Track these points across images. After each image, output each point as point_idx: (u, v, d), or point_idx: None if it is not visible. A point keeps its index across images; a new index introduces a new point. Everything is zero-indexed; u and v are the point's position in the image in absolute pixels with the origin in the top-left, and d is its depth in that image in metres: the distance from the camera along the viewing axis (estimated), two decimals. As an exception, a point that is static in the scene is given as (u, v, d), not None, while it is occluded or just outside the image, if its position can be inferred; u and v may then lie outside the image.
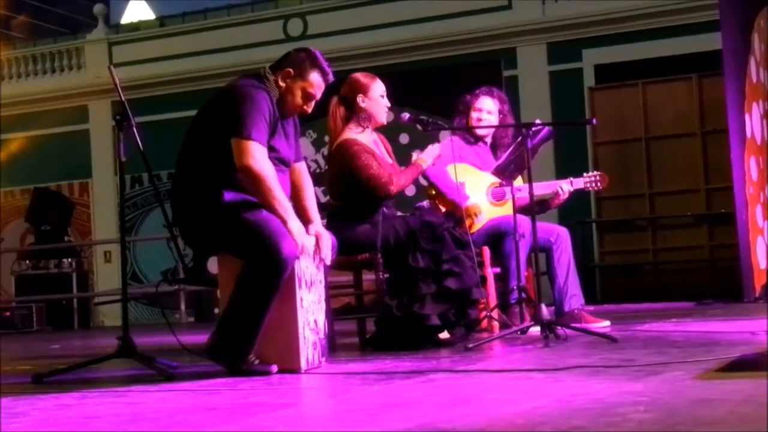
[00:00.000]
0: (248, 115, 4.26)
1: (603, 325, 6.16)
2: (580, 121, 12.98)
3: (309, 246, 4.35)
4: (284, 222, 4.23)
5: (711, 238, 12.38)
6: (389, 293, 5.32)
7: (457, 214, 5.67)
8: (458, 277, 5.23)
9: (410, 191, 5.85)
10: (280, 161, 4.43)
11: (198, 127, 4.47)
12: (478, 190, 6.42)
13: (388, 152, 5.84)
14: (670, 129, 12.53)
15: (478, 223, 6.35)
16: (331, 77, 4.56)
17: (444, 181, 6.22)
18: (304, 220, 4.46)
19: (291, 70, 4.47)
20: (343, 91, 5.67)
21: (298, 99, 4.48)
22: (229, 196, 4.30)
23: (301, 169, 4.66)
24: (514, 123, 6.72)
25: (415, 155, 5.87)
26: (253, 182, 4.25)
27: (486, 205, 6.42)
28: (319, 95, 4.55)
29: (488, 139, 6.66)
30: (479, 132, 6.57)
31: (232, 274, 4.27)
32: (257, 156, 4.23)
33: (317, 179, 5.58)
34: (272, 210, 4.24)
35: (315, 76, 4.50)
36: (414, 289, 5.21)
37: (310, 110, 4.55)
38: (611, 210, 12.95)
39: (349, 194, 5.57)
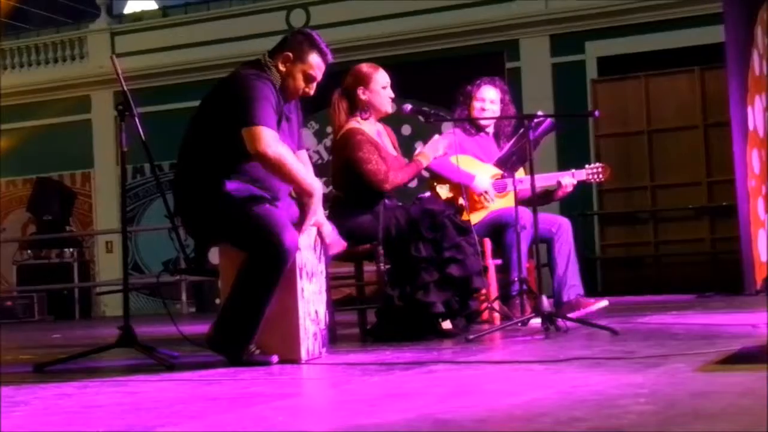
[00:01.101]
0: (255, 103, 4.26)
1: (601, 305, 6.18)
2: (582, 114, 12.98)
3: (328, 228, 4.46)
4: (310, 195, 4.29)
5: (712, 230, 12.36)
6: (391, 284, 5.32)
7: (457, 204, 5.67)
8: (460, 264, 5.23)
9: (412, 182, 5.84)
10: None
11: (201, 118, 4.46)
12: (480, 182, 6.42)
13: (393, 144, 5.84)
14: (673, 122, 12.51)
15: (490, 204, 6.35)
16: (330, 57, 4.56)
17: (447, 168, 6.19)
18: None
19: (290, 54, 4.47)
20: (346, 83, 5.67)
21: (300, 82, 4.48)
22: (231, 185, 4.30)
23: (303, 157, 4.67)
24: (515, 112, 6.72)
25: (419, 148, 5.86)
26: (271, 167, 4.26)
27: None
28: (320, 76, 4.54)
29: (490, 129, 6.66)
30: (482, 122, 6.57)
31: (233, 265, 4.27)
32: (270, 141, 4.23)
33: (319, 170, 5.57)
34: (297, 186, 4.28)
35: (314, 58, 4.50)
36: (416, 278, 5.21)
37: (312, 92, 4.55)
38: (613, 202, 12.94)
39: (350, 183, 5.57)
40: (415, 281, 5.22)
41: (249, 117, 4.24)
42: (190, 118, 4.53)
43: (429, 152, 5.73)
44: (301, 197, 4.39)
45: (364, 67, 5.70)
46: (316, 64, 4.51)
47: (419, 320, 5.22)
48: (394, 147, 5.83)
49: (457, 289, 5.26)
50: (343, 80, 5.70)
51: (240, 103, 4.28)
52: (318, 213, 4.39)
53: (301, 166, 4.35)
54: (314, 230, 4.44)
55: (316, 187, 4.35)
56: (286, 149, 4.30)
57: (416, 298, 5.19)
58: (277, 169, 4.26)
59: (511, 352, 4.52)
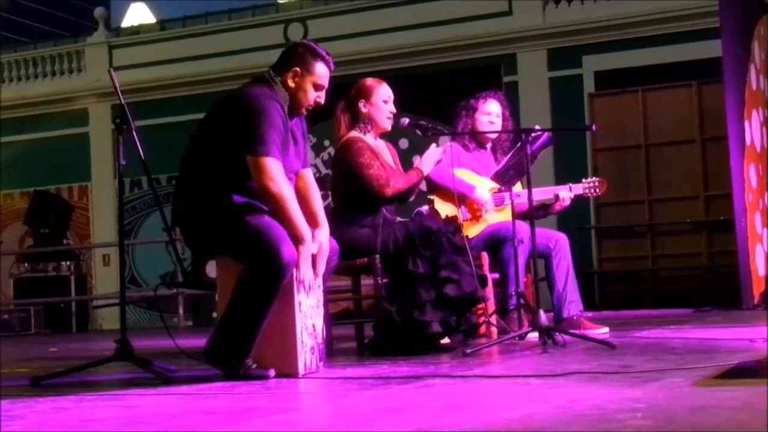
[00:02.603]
0: (262, 130, 4.25)
1: (602, 331, 6.15)
2: (579, 127, 12.98)
3: (310, 276, 4.35)
4: (299, 244, 4.23)
5: (710, 245, 12.37)
6: (388, 298, 5.31)
7: (457, 222, 5.66)
8: (456, 284, 5.22)
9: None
10: (287, 171, 4.41)
11: (207, 132, 4.44)
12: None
13: (394, 160, 5.85)
14: (670, 136, 12.53)
15: (488, 216, 6.35)
16: (332, 64, 4.58)
17: (448, 178, 6.16)
18: (312, 224, 4.46)
19: (298, 69, 4.48)
20: (350, 95, 5.72)
21: (310, 93, 4.49)
22: (236, 199, 4.30)
23: (308, 175, 4.64)
24: (513, 127, 6.72)
25: (416, 161, 5.86)
26: (272, 203, 4.26)
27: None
28: (327, 84, 4.56)
29: (489, 144, 6.66)
30: (482, 137, 6.56)
31: (230, 278, 4.27)
32: (275, 176, 4.22)
33: (317, 183, 5.58)
34: (290, 231, 4.23)
35: (320, 67, 4.52)
36: (413, 295, 5.20)
37: (323, 100, 4.56)
38: (610, 216, 12.95)
39: (349, 193, 5.58)
40: (413, 299, 5.20)
41: (255, 146, 4.24)
42: (194, 131, 4.52)
43: (428, 161, 5.73)
44: (293, 240, 4.32)
45: (368, 81, 5.74)
46: (323, 73, 4.54)
47: (417, 337, 5.21)
48: (396, 163, 5.84)
49: (454, 309, 5.25)
50: (347, 93, 5.73)
51: (246, 127, 4.27)
52: (306, 262, 4.30)
53: (299, 212, 4.29)
54: (316, 247, 4.43)
55: (307, 235, 4.28)
56: (289, 188, 4.29)
57: (413, 317, 5.17)
58: (277, 205, 4.25)
59: (508, 367, 4.51)
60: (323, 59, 4.55)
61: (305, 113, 4.58)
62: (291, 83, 4.47)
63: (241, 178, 4.30)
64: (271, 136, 4.27)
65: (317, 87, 4.51)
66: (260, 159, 4.24)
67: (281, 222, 4.25)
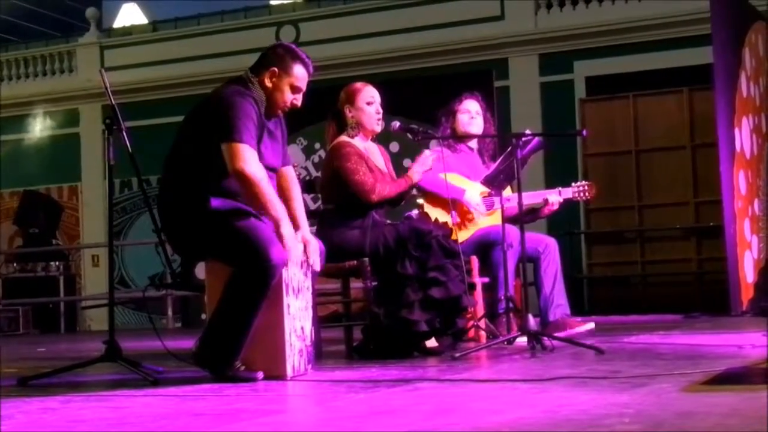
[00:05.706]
0: (236, 118, 4.27)
1: (587, 327, 6.20)
2: (570, 133, 12.99)
3: (298, 253, 4.36)
4: (277, 225, 4.24)
5: (699, 251, 12.38)
6: (376, 301, 5.32)
7: (447, 228, 5.66)
8: (443, 286, 5.23)
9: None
10: (265, 167, 4.42)
11: (185, 134, 4.47)
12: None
13: (386, 163, 5.85)
14: (660, 142, 12.54)
15: (478, 220, 6.36)
16: (311, 67, 4.59)
17: (437, 184, 6.18)
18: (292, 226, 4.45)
19: (275, 69, 4.49)
20: (338, 102, 5.73)
21: (287, 95, 4.50)
22: (216, 202, 4.30)
23: (289, 174, 4.66)
24: (494, 130, 6.74)
25: (408, 166, 5.87)
26: (245, 186, 4.26)
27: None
28: (305, 87, 4.56)
29: (474, 145, 6.68)
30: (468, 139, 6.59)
31: (219, 280, 4.27)
32: (249, 159, 4.24)
33: (307, 186, 5.59)
34: (266, 213, 4.25)
35: (299, 69, 4.53)
36: (401, 295, 5.21)
37: (299, 103, 4.56)
38: (600, 222, 12.96)
39: (339, 195, 5.60)
40: (401, 299, 5.22)
41: (229, 132, 4.25)
42: (175, 135, 4.52)
43: (419, 167, 5.75)
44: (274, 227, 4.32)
45: (352, 85, 5.77)
46: (301, 75, 4.54)
47: (404, 338, 5.22)
48: (387, 166, 5.85)
49: (440, 310, 5.26)
50: (336, 97, 5.76)
51: (221, 120, 4.29)
52: (291, 239, 4.31)
53: (273, 194, 4.32)
54: (302, 246, 4.44)
55: (283, 217, 4.29)
56: (264, 172, 4.29)
57: (401, 316, 5.18)
58: (250, 189, 4.25)
59: (496, 371, 4.52)
60: (302, 61, 4.55)
61: (281, 115, 4.58)
62: (268, 83, 4.48)
63: (222, 177, 4.30)
64: (245, 124, 4.28)
65: (294, 89, 4.51)
66: (234, 145, 4.24)
67: (256, 205, 4.25)
